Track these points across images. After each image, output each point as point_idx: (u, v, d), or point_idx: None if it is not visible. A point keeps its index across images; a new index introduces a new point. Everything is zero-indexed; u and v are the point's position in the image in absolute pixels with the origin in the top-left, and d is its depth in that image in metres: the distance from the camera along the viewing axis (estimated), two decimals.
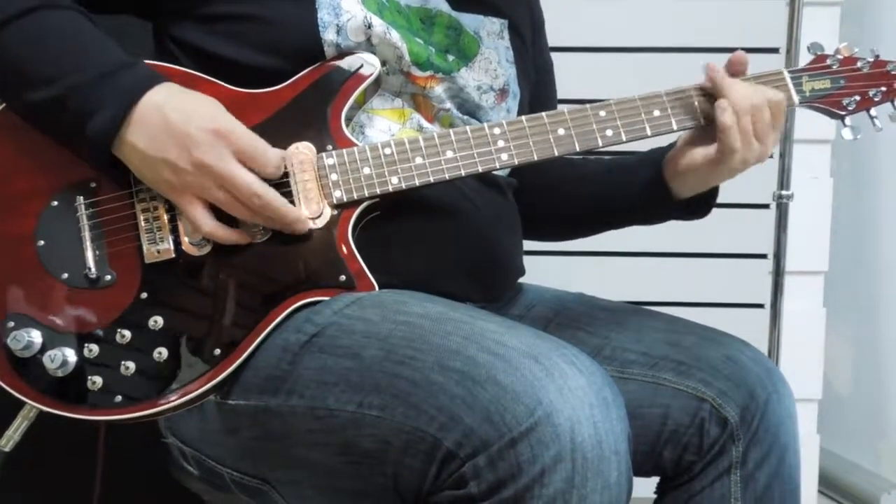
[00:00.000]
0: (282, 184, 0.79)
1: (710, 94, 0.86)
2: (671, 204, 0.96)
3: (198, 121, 0.75)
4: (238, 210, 0.77)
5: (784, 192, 1.51)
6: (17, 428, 0.80)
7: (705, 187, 0.93)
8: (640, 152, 1.00)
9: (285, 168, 0.80)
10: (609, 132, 0.84)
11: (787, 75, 0.89)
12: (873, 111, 0.91)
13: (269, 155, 0.77)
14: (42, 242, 0.80)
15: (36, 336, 0.77)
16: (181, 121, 0.75)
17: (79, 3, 0.82)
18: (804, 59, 0.93)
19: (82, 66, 0.77)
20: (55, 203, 0.80)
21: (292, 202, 0.79)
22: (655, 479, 0.93)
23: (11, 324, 0.78)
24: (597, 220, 1.07)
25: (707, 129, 0.87)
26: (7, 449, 0.81)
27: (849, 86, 0.90)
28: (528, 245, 1.04)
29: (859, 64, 0.90)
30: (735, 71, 0.88)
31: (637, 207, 1.00)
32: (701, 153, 0.89)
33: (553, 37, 1.13)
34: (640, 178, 0.97)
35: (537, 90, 1.05)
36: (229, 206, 0.77)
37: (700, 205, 0.96)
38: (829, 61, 0.90)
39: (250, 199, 0.76)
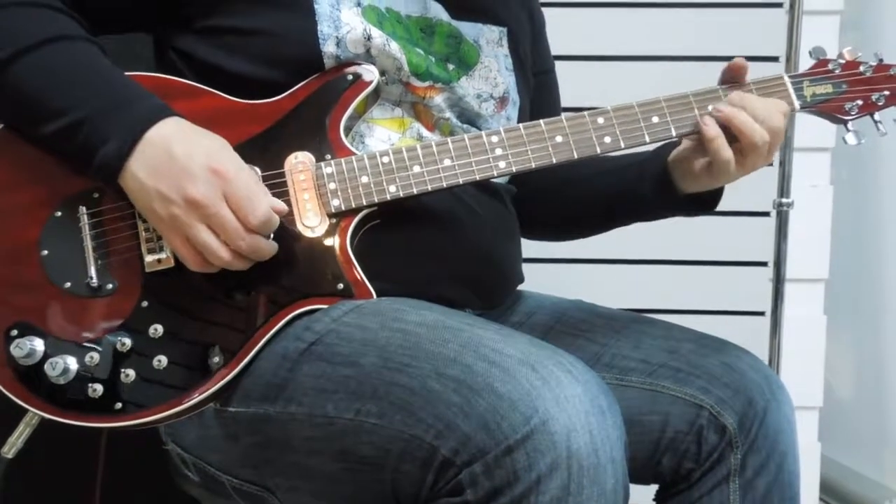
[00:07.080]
0: (280, 193, 0.80)
1: (709, 102, 0.86)
2: (678, 200, 0.95)
3: (199, 157, 0.75)
4: (219, 256, 0.75)
5: (784, 200, 1.51)
6: (20, 435, 0.80)
7: (708, 188, 0.92)
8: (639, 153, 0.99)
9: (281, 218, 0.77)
10: (607, 139, 0.85)
11: (787, 80, 0.88)
12: (877, 115, 0.89)
13: (259, 208, 0.75)
14: (46, 252, 0.80)
15: (38, 344, 0.78)
16: (184, 155, 0.75)
17: (84, 26, 0.82)
18: (804, 67, 0.93)
19: (92, 98, 0.77)
20: (59, 213, 0.81)
21: (290, 212, 0.80)
22: (654, 487, 0.93)
23: (15, 332, 0.78)
24: (600, 219, 1.07)
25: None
26: (10, 456, 0.82)
27: (851, 90, 0.89)
28: (528, 252, 1.04)
29: (862, 68, 0.89)
30: (735, 77, 0.87)
31: (645, 205, 0.99)
32: (699, 164, 0.89)
33: (553, 45, 1.13)
34: (648, 176, 0.96)
35: (539, 94, 1.05)
36: (211, 251, 0.75)
37: (705, 200, 0.94)
38: (830, 66, 0.89)
39: (236, 242, 0.75)
